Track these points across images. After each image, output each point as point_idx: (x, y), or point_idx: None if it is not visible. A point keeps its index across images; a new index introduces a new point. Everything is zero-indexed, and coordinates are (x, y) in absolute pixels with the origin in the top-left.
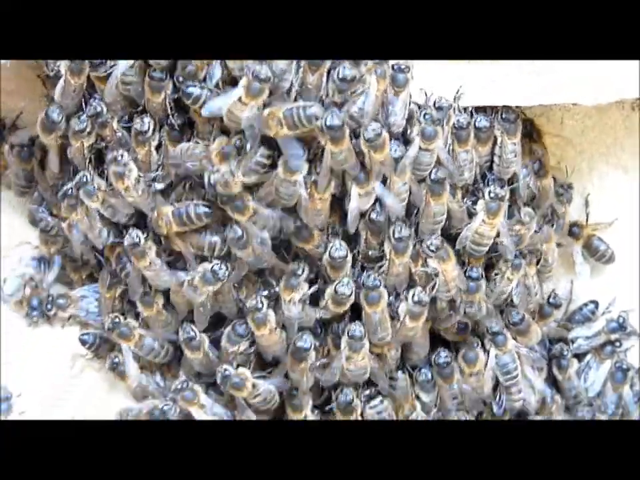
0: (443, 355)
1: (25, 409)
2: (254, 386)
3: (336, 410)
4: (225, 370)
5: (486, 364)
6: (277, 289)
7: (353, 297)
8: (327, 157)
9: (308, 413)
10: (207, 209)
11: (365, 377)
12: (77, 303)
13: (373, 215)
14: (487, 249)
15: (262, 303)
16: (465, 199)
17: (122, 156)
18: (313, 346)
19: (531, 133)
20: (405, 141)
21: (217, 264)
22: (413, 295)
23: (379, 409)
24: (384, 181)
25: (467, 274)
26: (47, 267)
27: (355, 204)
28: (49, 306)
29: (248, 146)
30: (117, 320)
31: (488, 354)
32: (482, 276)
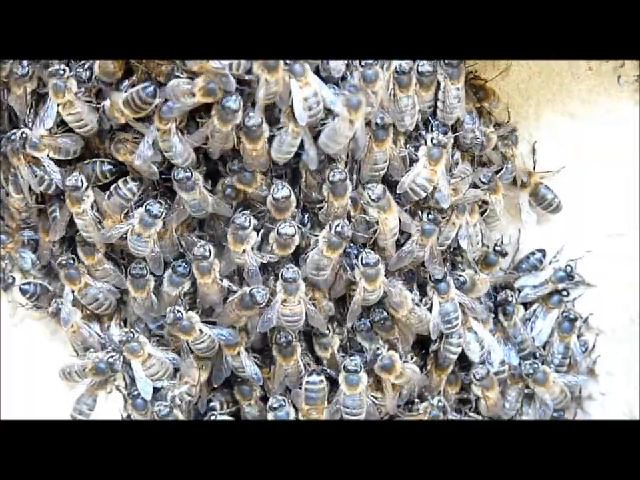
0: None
1: None
2: (201, 331)
3: (275, 352)
4: (178, 311)
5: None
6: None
7: (297, 238)
8: (260, 88)
9: (242, 350)
10: (111, 167)
11: (299, 324)
12: (19, 245)
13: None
14: (425, 194)
15: (209, 251)
16: (408, 145)
17: (63, 70)
18: (266, 299)
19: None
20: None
21: (148, 203)
22: (337, 225)
23: (314, 387)
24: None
25: (426, 217)
26: None
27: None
28: None
29: None
30: (71, 262)
31: (431, 302)
32: (439, 222)
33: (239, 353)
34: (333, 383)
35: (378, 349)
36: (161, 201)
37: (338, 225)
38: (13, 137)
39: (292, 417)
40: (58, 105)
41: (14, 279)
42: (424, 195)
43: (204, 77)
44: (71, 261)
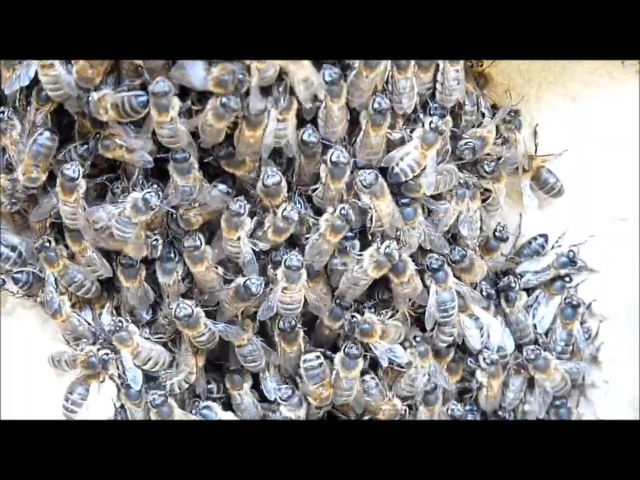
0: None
1: None
2: (205, 325)
3: (278, 338)
4: (188, 306)
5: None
6: None
7: (296, 225)
8: (253, 77)
9: (250, 336)
10: (86, 147)
11: (297, 312)
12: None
13: (305, 136)
14: (412, 175)
15: (199, 240)
16: (404, 127)
17: None
18: (262, 289)
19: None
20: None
21: (149, 192)
22: (342, 208)
23: (314, 364)
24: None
25: (399, 202)
26: None
27: (271, 126)
28: None
29: None
30: (47, 244)
31: (428, 290)
32: (413, 200)
33: (248, 341)
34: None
35: (353, 317)
36: (159, 192)
37: (343, 208)
38: (0, 115)
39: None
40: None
41: (4, 281)
42: (411, 175)
43: (220, 67)
44: (47, 244)
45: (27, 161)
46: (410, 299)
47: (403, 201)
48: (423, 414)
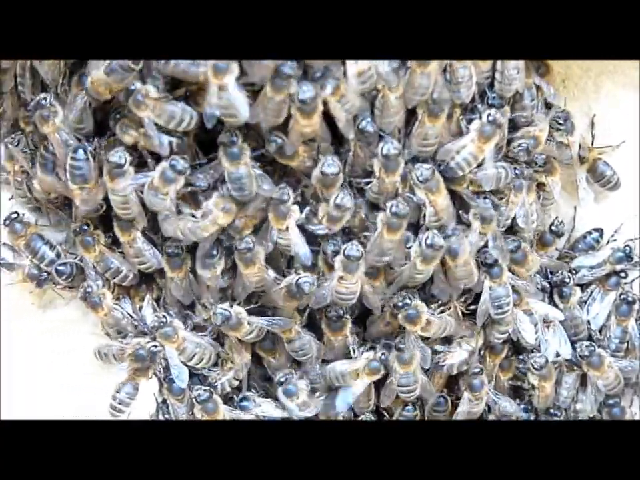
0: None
1: None
2: (249, 324)
3: (324, 326)
4: (225, 310)
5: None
6: None
7: (350, 213)
8: None
9: (299, 329)
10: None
11: (352, 302)
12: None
13: (363, 124)
14: (468, 170)
15: (252, 242)
16: (462, 118)
17: None
18: (312, 289)
19: None
20: None
21: (174, 158)
22: (392, 205)
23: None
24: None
25: (483, 202)
26: None
27: (338, 111)
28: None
29: None
30: (85, 227)
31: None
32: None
33: (297, 333)
34: None
35: (408, 297)
36: (185, 157)
37: (393, 205)
38: (43, 101)
39: (302, 390)
40: None
41: (49, 274)
42: (467, 170)
43: None
44: (85, 227)
45: (71, 187)
46: (463, 293)
47: (487, 201)
48: (467, 401)
